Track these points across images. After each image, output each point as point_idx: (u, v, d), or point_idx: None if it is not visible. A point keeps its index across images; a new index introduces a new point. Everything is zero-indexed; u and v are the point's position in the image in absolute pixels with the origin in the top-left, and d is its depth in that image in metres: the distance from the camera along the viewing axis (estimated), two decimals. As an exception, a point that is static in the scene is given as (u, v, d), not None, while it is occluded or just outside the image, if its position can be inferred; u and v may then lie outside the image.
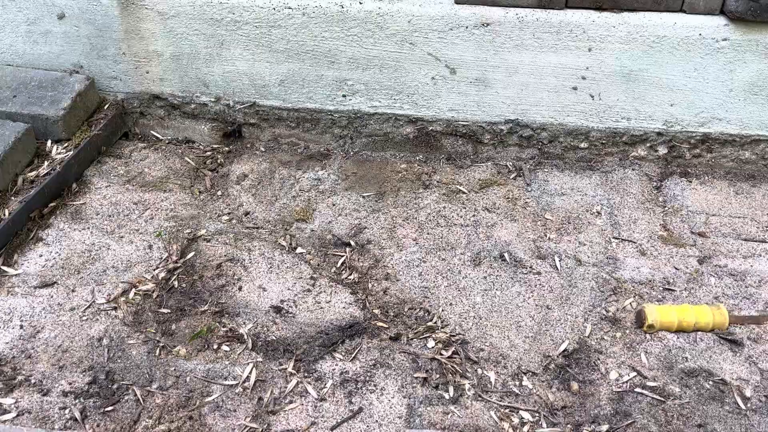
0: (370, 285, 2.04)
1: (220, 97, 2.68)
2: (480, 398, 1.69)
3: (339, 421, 1.59)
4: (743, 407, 1.63)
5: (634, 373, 1.72)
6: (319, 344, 1.81)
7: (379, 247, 2.19)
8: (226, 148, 2.73)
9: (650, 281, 2.03)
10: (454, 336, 1.86)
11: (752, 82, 2.36)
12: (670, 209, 2.37)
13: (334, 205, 2.38)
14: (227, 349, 1.78)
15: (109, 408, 1.62)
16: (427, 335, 1.86)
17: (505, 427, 1.61)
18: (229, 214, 2.34)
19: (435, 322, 1.90)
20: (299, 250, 2.18)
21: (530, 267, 2.08)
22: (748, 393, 1.66)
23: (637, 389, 1.68)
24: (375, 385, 1.70)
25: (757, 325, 1.86)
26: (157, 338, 1.81)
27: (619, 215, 2.33)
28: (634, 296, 1.98)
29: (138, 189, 2.43)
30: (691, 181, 2.51)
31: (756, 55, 2.30)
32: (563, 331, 1.86)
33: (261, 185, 2.50)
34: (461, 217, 2.31)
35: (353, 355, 1.78)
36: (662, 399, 1.65)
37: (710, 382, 1.70)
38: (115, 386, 1.67)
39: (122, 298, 1.92)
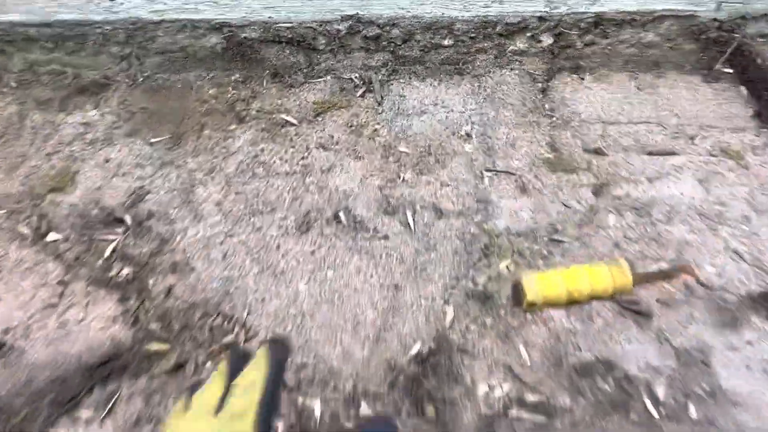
0: (149, 283, 1.42)
1: (-70, 15, 1.84)
2: (297, 447, 1.16)
3: None
4: (655, 415, 1.18)
5: (510, 383, 1.23)
6: (53, 401, 1.20)
7: (167, 220, 1.55)
8: (-39, 88, 1.93)
9: (533, 230, 1.51)
10: (265, 350, 1.29)
11: (655, -61, 1.77)
12: (559, 120, 1.82)
13: (107, 161, 1.69)
14: None
15: None
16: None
17: (331, 492, 1.10)
18: (-51, 191, 1.62)
19: (237, 334, 1.32)
20: (51, 237, 1.52)
21: (375, 229, 1.52)
22: (660, 391, 1.21)
23: (514, 410, 1.19)
24: (135, 458, 1.13)
25: (669, 282, 1.39)
26: None
27: (494, 136, 1.77)
28: (512, 255, 1.46)
29: None
30: (583, 78, 1.96)
31: None
32: (416, 324, 1.34)
33: (4, 141, 1.75)
34: (286, 161, 1.69)
35: (104, 412, 1.19)
36: (547, 418, 1.18)
37: (611, 381, 1.23)
38: None
39: None
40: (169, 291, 1.40)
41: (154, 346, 1.30)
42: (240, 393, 0.70)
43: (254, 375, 0.72)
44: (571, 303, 1.35)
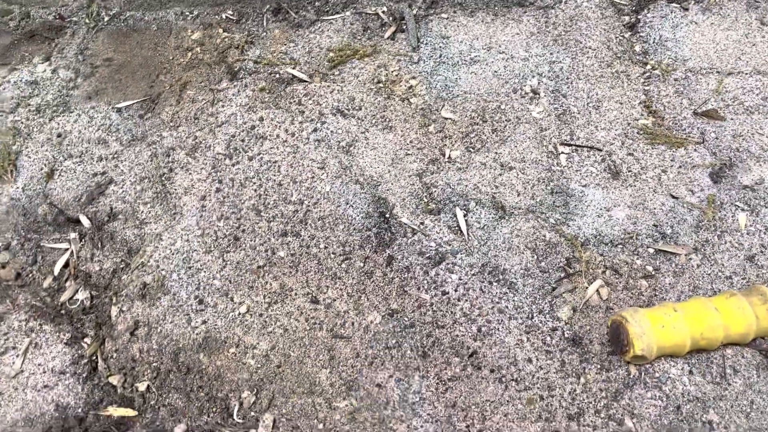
0: (112, 313, 1.05)
1: None
2: None
3: None
4: None
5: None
6: (-29, 507, 0.87)
7: (135, 221, 1.16)
8: None
9: (631, 236, 1.09)
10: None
11: None
12: (657, 69, 1.36)
13: (60, 136, 1.29)
14: None
15: None
16: None
17: None
18: None
19: (235, 405, 0.96)
20: (-15, 245, 1.15)
21: (409, 234, 1.11)
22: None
23: None
24: None
25: (834, 319, 0.98)
26: None
27: (570, 94, 1.31)
28: (603, 272, 1.05)
29: None
30: (687, 8, 1.47)
31: None
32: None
33: (-71, 109, 1.36)
34: (293, 134, 1.27)
35: None
36: None
37: (761, 481, 0.85)
38: None
39: None
40: (134, 327, 1.03)
41: (116, 413, 0.94)
42: None
43: None
44: (694, 351, 0.95)
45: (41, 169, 1.23)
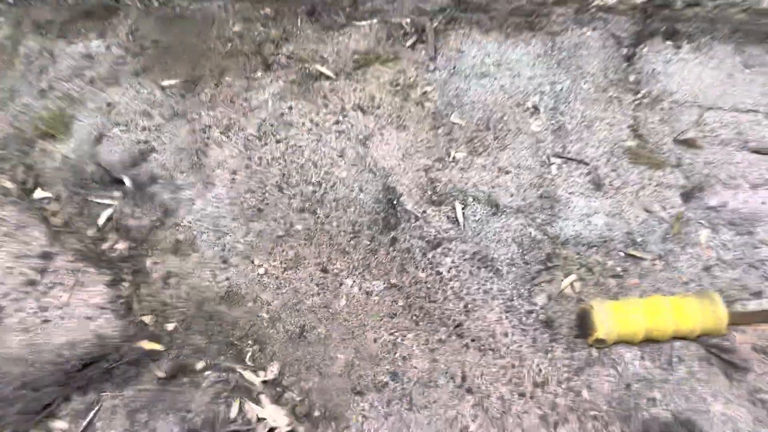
0: (147, 263, 1.20)
1: None
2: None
3: None
4: (743, 502, 0.96)
5: (567, 441, 1.01)
6: (23, 410, 1.02)
7: (172, 186, 1.31)
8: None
9: (606, 241, 1.25)
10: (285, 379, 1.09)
11: None
12: (647, 98, 1.52)
13: (110, 105, 1.45)
14: None
15: None
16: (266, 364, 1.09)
17: None
18: (-72, 127, 1.39)
19: (251, 354, 1.11)
20: (38, 194, 1.30)
21: (412, 220, 1.26)
22: (752, 472, 0.98)
23: (570, 479, 0.98)
24: (113, 491, 0.95)
25: (771, 325, 1.13)
26: None
27: (567, 113, 1.47)
28: (578, 269, 1.20)
29: None
30: (680, 47, 1.63)
31: None
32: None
33: (-7, 70, 1.51)
34: (317, 123, 1.42)
35: (81, 428, 1.00)
36: (610, 494, 0.96)
37: (691, 451, 1.00)
38: None
39: None
40: (167, 278, 1.18)
41: (147, 346, 1.10)
42: None
43: None
44: (647, 340, 1.11)
45: (91, 133, 1.39)
